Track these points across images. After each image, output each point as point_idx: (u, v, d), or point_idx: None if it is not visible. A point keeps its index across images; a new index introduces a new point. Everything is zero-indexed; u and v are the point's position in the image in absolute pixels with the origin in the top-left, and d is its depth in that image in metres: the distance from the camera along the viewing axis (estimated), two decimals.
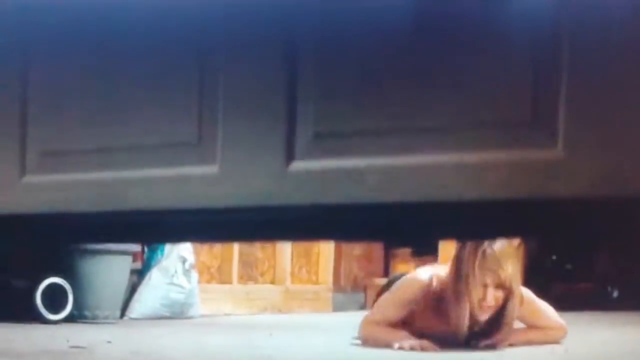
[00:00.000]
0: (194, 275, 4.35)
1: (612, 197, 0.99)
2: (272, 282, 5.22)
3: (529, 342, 2.87)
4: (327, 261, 5.51)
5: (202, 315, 4.40)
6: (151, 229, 1.43)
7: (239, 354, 2.75)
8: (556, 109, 1.00)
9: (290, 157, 1.13)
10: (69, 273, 3.75)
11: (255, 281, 5.15)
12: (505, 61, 1.03)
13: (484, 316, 2.75)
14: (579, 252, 6.58)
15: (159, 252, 4.29)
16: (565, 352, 2.76)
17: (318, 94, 1.12)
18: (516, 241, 2.86)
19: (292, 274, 5.33)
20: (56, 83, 1.34)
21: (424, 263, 3.30)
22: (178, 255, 4.27)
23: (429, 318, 2.83)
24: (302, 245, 5.42)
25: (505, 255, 2.70)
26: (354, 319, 2.99)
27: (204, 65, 1.20)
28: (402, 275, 3.02)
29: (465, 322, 2.76)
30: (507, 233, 1.51)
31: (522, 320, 2.91)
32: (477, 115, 1.05)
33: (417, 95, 1.08)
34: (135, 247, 4.13)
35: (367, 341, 2.88)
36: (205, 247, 4.87)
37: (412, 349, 2.71)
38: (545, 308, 2.92)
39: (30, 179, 1.34)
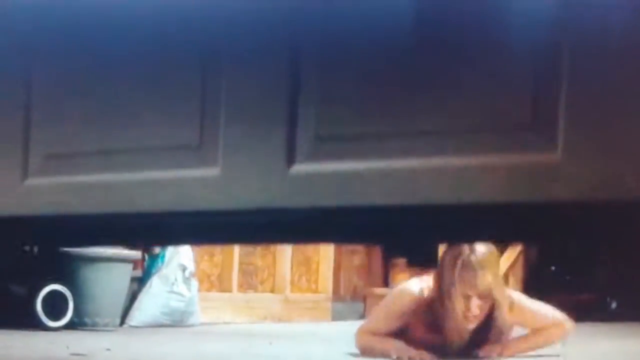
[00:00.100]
0: (194, 283, 4.35)
1: (610, 201, 0.99)
2: (272, 291, 5.22)
3: (532, 348, 2.84)
4: (327, 270, 5.51)
5: (202, 324, 4.40)
6: (153, 231, 1.43)
7: None
8: (555, 113, 1.00)
9: (291, 160, 1.13)
10: (70, 280, 3.76)
11: (255, 290, 5.15)
12: (505, 65, 1.04)
13: (471, 325, 2.73)
14: (579, 263, 6.58)
15: (159, 260, 4.29)
16: None
17: (319, 97, 1.13)
18: (495, 248, 2.82)
19: (292, 282, 5.33)
20: (58, 86, 1.34)
21: (422, 272, 3.29)
22: (178, 264, 4.28)
23: (422, 328, 2.83)
24: (302, 255, 5.42)
25: (484, 264, 2.67)
26: (353, 328, 2.99)
27: (206, 68, 1.20)
28: None
29: (456, 332, 2.75)
30: (505, 236, 1.51)
31: (519, 324, 2.89)
32: (477, 119, 1.05)
33: (418, 99, 1.08)
34: (136, 255, 4.13)
35: (364, 351, 2.88)
36: (205, 256, 4.88)
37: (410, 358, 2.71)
38: (539, 307, 2.89)
39: (33, 181, 1.35)
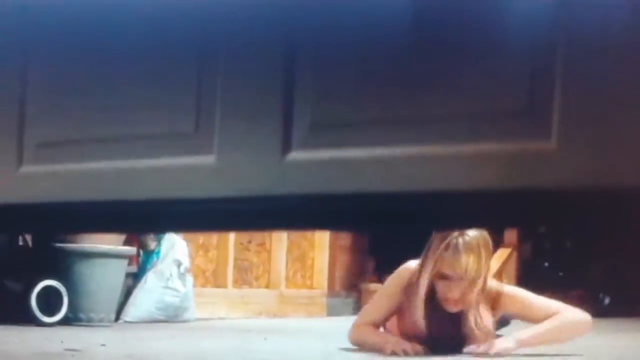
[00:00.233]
0: (189, 279, 4.35)
1: (604, 189, 0.99)
2: (267, 287, 5.23)
3: (543, 342, 2.76)
4: (322, 266, 5.52)
5: (197, 319, 4.40)
6: (147, 219, 1.43)
7: (233, 358, 2.76)
8: (550, 101, 1.00)
9: (287, 147, 1.13)
10: (64, 276, 3.75)
11: (250, 285, 5.16)
12: (500, 53, 1.04)
13: (452, 308, 2.69)
14: (572, 259, 6.60)
15: (154, 255, 4.29)
16: (556, 359, 2.77)
17: (315, 85, 1.13)
18: (487, 236, 2.73)
19: (287, 278, 5.34)
20: (53, 74, 1.34)
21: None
22: (173, 259, 4.28)
23: (409, 317, 2.82)
24: (297, 250, 5.43)
25: (471, 248, 2.63)
26: (348, 323, 2.99)
27: (202, 57, 1.20)
28: None
29: (421, 313, 2.71)
30: (499, 224, 1.52)
31: (517, 316, 2.88)
32: (472, 107, 1.05)
33: (413, 88, 1.09)
34: (131, 251, 4.13)
35: (358, 344, 2.87)
36: (200, 251, 4.88)
37: (405, 353, 2.71)
38: (535, 299, 2.85)
39: (27, 169, 1.34)
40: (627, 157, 0.98)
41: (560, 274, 6.50)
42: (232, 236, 4.97)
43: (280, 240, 5.26)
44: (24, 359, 2.48)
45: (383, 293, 2.90)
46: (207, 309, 4.70)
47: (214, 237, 4.96)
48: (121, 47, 1.28)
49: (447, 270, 2.66)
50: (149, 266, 4.26)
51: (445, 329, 2.76)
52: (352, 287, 5.73)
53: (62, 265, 3.79)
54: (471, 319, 2.72)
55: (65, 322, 3.70)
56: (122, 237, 4.07)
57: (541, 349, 2.80)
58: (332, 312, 5.47)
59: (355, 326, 2.90)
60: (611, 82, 0.99)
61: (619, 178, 0.98)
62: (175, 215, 1.37)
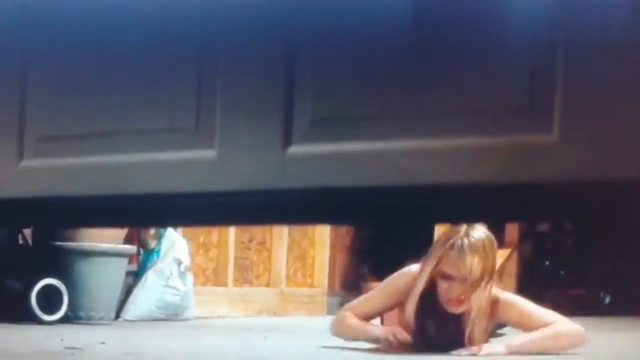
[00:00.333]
0: (190, 277, 4.35)
1: (605, 183, 1.00)
2: (267, 285, 5.23)
3: (536, 350, 2.75)
4: (322, 264, 5.52)
5: (197, 318, 4.40)
6: (148, 213, 1.43)
7: (233, 356, 2.76)
8: (552, 95, 1.00)
9: (288, 141, 1.13)
10: (64, 274, 3.75)
11: (251, 284, 5.16)
12: (501, 48, 1.04)
13: (454, 309, 2.69)
14: (573, 258, 6.60)
15: (154, 254, 4.29)
16: (557, 358, 2.77)
17: (316, 79, 1.13)
18: (493, 238, 2.73)
19: (287, 277, 5.34)
20: (54, 68, 1.34)
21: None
22: (173, 258, 4.27)
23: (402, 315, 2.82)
24: (298, 249, 5.43)
25: (476, 249, 2.62)
26: None
27: (202, 50, 1.21)
28: None
29: (411, 313, 2.71)
30: (501, 218, 1.52)
31: (512, 324, 2.88)
32: (473, 101, 1.06)
33: (414, 81, 1.09)
34: (131, 249, 4.13)
35: (340, 332, 2.85)
36: (200, 250, 4.88)
37: (394, 338, 2.68)
38: (532, 308, 2.83)
39: (28, 163, 1.35)
40: (629, 151, 0.98)
41: (561, 272, 6.50)
42: (232, 235, 4.97)
43: (280, 239, 5.26)
44: (24, 358, 2.48)
45: (380, 290, 2.90)
46: (208, 308, 4.70)
47: (214, 236, 4.96)
48: (122, 42, 1.28)
49: (450, 270, 2.65)
50: (149, 265, 4.26)
51: (439, 329, 2.75)
52: (352, 285, 5.73)
53: (62, 264, 3.79)
54: (472, 324, 2.70)
55: (66, 320, 3.70)
56: (123, 235, 4.07)
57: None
58: (332, 310, 5.46)
59: (343, 312, 2.89)
60: (612, 76, 0.99)
61: (620, 171, 0.99)
62: (176, 210, 1.37)
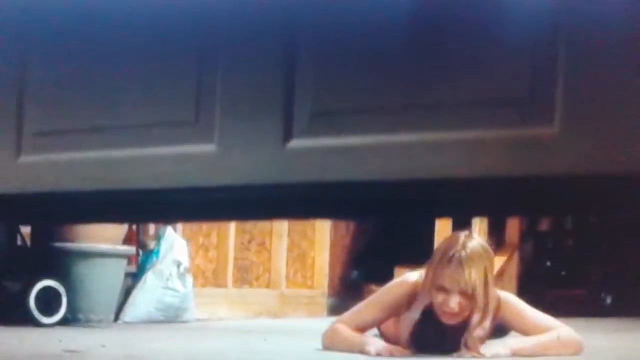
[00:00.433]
0: (189, 279, 4.34)
1: (607, 176, 1.00)
2: (267, 287, 5.22)
3: (528, 352, 2.73)
4: (322, 266, 5.51)
5: (197, 319, 4.39)
6: (148, 208, 1.43)
7: (233, 358, 2.75)
8: (553, 87, 1.00)
9: (288, 135, 1.13)
10: (63, 276, 3.74)
11: (250, 285, 5.14)
12: (502, 39, 1.04)
13: (450, 321, 2.68)
14: (574, 258, 6.60)
15: (153, 255, 4.28)
16: (557, 359, 2.76)
17: (316, 72, 1.13)
18: (489, 248, 2.73)
19: (287, 278, 5.33)
20: (52, 63, 1.34)
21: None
22: (173, 259, 4.26)
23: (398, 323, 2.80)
24: (298, 250, 5.42)
25: (472, 261, 2.62)
26: None
27: (202, 43, 1.20)
28: None
29: (410, 325, 2.70)
30: (502, 211, 1.52)
31: (511, 326, 2.86)
32: (474, 94, 1.05)
33: (414, 75, 1.08)
34: (130, 251, 4.12)
35: (331, 343, 2.82)
36: (200, 251, 4.87)
37: (391, 354, 2.68)
38: (532, 311, 2.82)
39: (26, 159, 1.34)
40: (630, 143, 0.98)
41: (562, 273, 6.50)
42: (232, 236, 4.97)
43: (280, 240, 5.25)
44: None
45: (376, 301, 2.86)
46: (207, 309, 4.69)
47: (213, 237, 4.95)
48: (121, 37, 1.27)
49: (447, 284, 2.65)
50: (148, 266, 4.25)
51: (439, 337, 2.73)
52: (352, 287, 5.73)
53: (61, 265, 3.78)
54: (472, 330, 2.69)
55: (64, 322, 3.69)
56: (121, 236, 4.06)
57: None
58: (332, 312, 5.45)
59: (336, 325, 2.85)
60: (613, 69, 0.99)
61: (621, 164, 0.98)
62: (176, 205, 1.37)
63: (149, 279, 4.21)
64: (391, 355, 2.67)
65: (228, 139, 1.17)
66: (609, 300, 6.23)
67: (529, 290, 5.48)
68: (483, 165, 1.04)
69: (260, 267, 5.20)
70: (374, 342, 2.76)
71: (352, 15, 1.12)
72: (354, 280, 5.67)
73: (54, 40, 1.34)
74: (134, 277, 4.24)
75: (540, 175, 1.03)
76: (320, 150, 1.12)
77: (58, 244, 3.83)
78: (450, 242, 2.70)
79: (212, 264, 4.95)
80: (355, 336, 2.79)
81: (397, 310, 2.80)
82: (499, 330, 2.89)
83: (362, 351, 2.71)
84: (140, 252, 4.29)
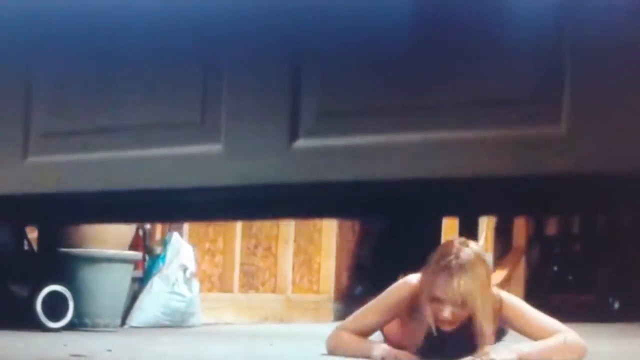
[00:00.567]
0: (195, 283, 4.34)
1: (614, 175, 0.99)
2: (273, 291, 5.21)
3: (535, 357, 2.71)
4: (329, 271, 5.50)
5: (203, 324, 4.39)
6: (154, 208, 1.43)
7: None
8: (560, 86, 0.99)
9: (294, 135, 1.13)
10: (70, 280, 3.74)
11: (257, 290, 5.14)
12: (508, 38, 1.03)
13: (447, 329, 2.67)
14: (581, 263, 6.58)
15: (160, 260, 4.28)
16: None
17: (322, 72, 1.13)
18: (484, 255, 2.72)
19: (294, 283, 5.32)
20: (59, 64, 1.34)
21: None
22: (179, 264, 4.26)
23: (401, 326, 2.80)
24: (304, 255, 5.42)
25: (465, 270, 2.61)
26: None
27: (207, 44, 1.20)
28: None
29: (420, 334, 2.69)
30: (508, 210, 1.51)
31: (515, 329, 2.84)
32: (480, 93, 1.05)
33: (420, 74, 1.08)
34: (137, 255, 4.12)
35: (336, 349, 2.81)
36: (206, 256, 4.87)
37: (397, 358, 2.67)
38: (536, 314, 2.81)
39: (34, 160, 1.35)
40: (637, 142, 0.97)
41: (569, 278, 6.48)
42: (238, 241, 4.97)
43: (286, 245, 5.25)
44: None
45: (378, 304, 2.84)
46: (213, 314, 4.69)
47: (220, 242, 4.96)
48: (127, 37, 1.27)
49: (439, 293, 2.64)
50: (154, 271, 4.25)
51: (447, 341, 2.72)
52: (356, 301, 5.72)
53: (68, 270, 3.78)
54: (480, 335, 2.68)
55: (71, 327, 3.69)
56: (128, 241, 4.07)
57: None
58: (338, 317, 5.44)
59: (338, 331, 2.85)
60: (620, 67, 0.98)
61: (629, 163, 0.98)
62: (183, 205, 1.37)
63: (156, 283, 4.21)
64: (397, 359, 2.67)
65: (234, 139, 1.17)
66: (616, 305, 6.21)
67: (536, 295, 5.47)
68: (489, 164, 1.04)
69: (267, 272, 5.20)
70: (379, 347, 2.75)
71: (357, 16, 1.12)
72: (357, 296, 5.65)
73: (60, 42, 1.34)
74: (141, 282, 4.24)
75: (547, 174, 1.02)
76: (326, 151, 1.12)
77: (65, 249, 3.84)
78: (444, 250, 2.68)
79: (218, 269, 4.95)
80: (360, 341, 2.79)
81: (399, 312, 2.80)
82: (497, 332, 2.88)
83: (368, 356, 2.71)
84: (147, 257, 4.29)
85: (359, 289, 5.68)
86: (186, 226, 4.64)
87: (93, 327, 3.82)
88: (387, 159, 1.09)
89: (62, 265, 3.79)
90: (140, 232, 4.22)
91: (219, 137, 1.18)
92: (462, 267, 2.62)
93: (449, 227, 5.22)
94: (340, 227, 5.55)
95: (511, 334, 2.92)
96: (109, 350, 2.89)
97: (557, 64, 1.01)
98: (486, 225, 5.77)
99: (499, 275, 5.76)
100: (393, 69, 1.10)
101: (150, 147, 1.24)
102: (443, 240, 4.88)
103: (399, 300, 2.78)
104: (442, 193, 1.15)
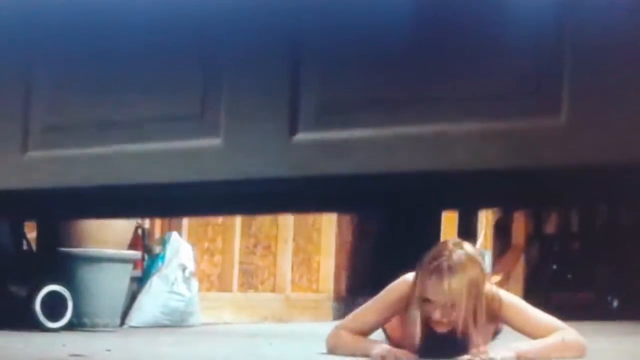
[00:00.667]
0: (194, 283, 4.33)
1: (614, 166, 0.99)
2: (273, 291, 5.21)
3: (534, 355, 2.70)
4: (328, 270, 5.50)
5: (202, 324, 4.38)
6: (154, 203, 1.43)
7: None
8: (560, 78, 0.99)
9: (294, 129, 1.13)
10: (69, 280, 3.74)
11: (256, 289, 5.14)
12: (507, 30, 1.03)
13: (440, 330, 2.66)
14: (580, 261, 6.58)
15: (159, 260, 4.28)
16: None
17: (322, 66, 1.13)
18: (477, 255, 2.71)
19: (293, 282, 5.32)
20: (59, 59, 1.34)
21: None
22: (178, 263, 4.26)
23: (400, 326, 2.79)
24: (303, 254, 5.41)
25: (455, 272, 2.60)
26: None
27: (207, 39, 1.20)
28: None
29: (417, 333, 2.69)
30: (508, 203, 1.51)
31: (515, 328, 2.84)
32: (480, 86, 1.05)
33: (420, 68, 1.08)
34: (136, 255, 4.12)
35: (336, 349, 2.81)
36: (205, 255, 4.87)
37: (396, 358, 2.67)
38: (535, 312, 2.80)
39: (33, 155, 1.35)
40: (638, 133, 0.97)
41: (568, 276, 6.48)
42: (237, 240, 4.97)
43: (286, 244, 5.25)
44: None
45: (377, 304, 2.84)
46: (213, 314, 4.68)
47: (219, 242, 4.95)
48: (127, 32, 1.27)
49: (429, 295, 2.64)
50: (153, 270, 4.25)
51: (445, 341, 2.72)
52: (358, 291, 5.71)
53: (67, 270, 3.78)
54: (472, 339, 2.67)
55: (70, 327, 3.69)
56: (127, 241, 4.06)
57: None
58: (338, 316, 5.44)
59: (337, 329, 2.85)
60: (621, 58, 0.98)
61: (629, 155, 0.98)
62: (182, 199, 1.36)
63: (155, 283, 4.21)
64: (396, 359, 2.66)
65: (234, 133, 1.17)
66: (615, 303, 6.21)
67: (535, 293, 5.47)
68: (490, 157, 1.04)
69: (266, 272, 5.19)
70: (379, 346, 2.75)
71: (357, 9, 1.12)
72: (356, 305, 5.63)
73: (60, 37, 1.34)
74: (140, 282, 4.24)
75: (547, 166, 1.02)
76: (326, 145, 1.12)
77: (64, 249, 3.84)
78: (436, 252, 2.67)
79: (217, 268, 4.94)
80: (359, 340, 2.78)
81: (398, 310, 2.79)
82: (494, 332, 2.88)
83: (367, 355, 2.70)
84: (146, 256, 4.29)
85: (359, 301, 5.67)
86: (185, 225, 4.64)
87: (92, 327, 3.82)
88: (387, 152, 1.09)
89: (61, 265, 3.79)
90: (139, 232, 4.22)
91: (219, 132, 1.18)
92: (452, 269, 2.61)
93: (449, 225, 5.22)
94: (339, 226, 5.55)
95: (510, 333, 2.92)
96: (108, 350, 2.89)
97: (558, 58, 1.00)
98: (485, 223, 5.78)
99: (493, 280, 5.76)
100: (393, 63, 1.10)
101: (149, 142, 1.24)
102: (442, 237, 4.88)
103: (398, 299, 2.78)
104: (442, 186, 1.15)
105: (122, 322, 4.07)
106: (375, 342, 2.81)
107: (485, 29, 1.05)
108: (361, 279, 5.57)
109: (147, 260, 4.29)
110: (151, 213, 2.56)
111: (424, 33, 1.09)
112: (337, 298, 5.57)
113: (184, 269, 4.25)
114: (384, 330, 2.93)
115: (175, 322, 4.22)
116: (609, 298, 6.24)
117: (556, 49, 1.01)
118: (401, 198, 1.23)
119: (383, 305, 2.82)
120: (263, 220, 5.09)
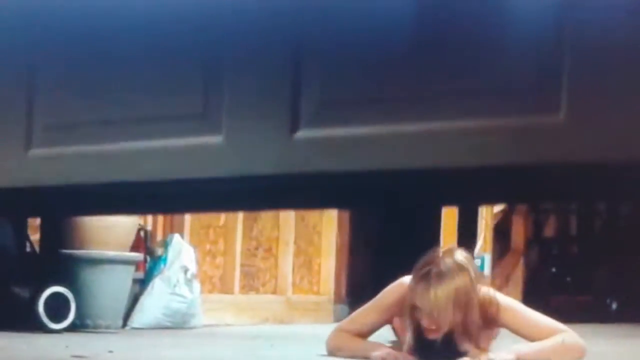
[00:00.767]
0: (196, 285, 4.34)
1: (613, 163, 1.00)
2: (274, 293, 5.22)
3: (534, 357, 2.70)
4: (329, 272, 5.51)
5: (204, 325, 4.39)
6: (156, 200, 1.44)
7: None
8: (559, 74, 1.00)
9: (295, 125, 1.14)
10: (72, 282, 3.75)
11: (257, 291, 5.15)
12: (508, 27, 1.04)
13: (431, 336, 2.65)
14: (579, 264, 6.58)
15: (161, 261, 4.29)
16: None
17: (323, 63, 1.13)
18: (469, 262, 2.68)
19: (294, 284, 5.33)
20: (61, 56, 1.35)
21: None
22: (180, 265, 4.27)
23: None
24: (304, 256, 5.42)
25: (440, 280, 2.59)
26: None
27: (208, 36, 1.21)
28: None
29: (409, 337, 2.68)
30: (508, 199, 1.52)
31: (514, 332, 2.84)
32: (480, 82, 1.06)
33: (421, 64, 1.09)
34: (138, 257, 4.13)
35: (336, 350, 2.82)
36: (207, 257, 4.88)
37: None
38: (534, 315, 2.79)
39: (37, 152, 1.35)
40: (636, 131, 0.98)
41: (567, 279, 6.48)
42: (239, 242, 4.97)
43: (287, 246, 5.26)
44: None
45: (374, 306, 2.85)
46: (214, 315, 4.69)
47: (220, 244, 4.96)
48: (129, 31, 1.28)
49: (418, 302, 2.64)
50: (155, 272, 4.25)
51: (434, 350, 2.72)
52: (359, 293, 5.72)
53: (70, 272, 3.79)
54: (465, 346, 2.68)
55: (72, 328, 3.69)
56: (129, 243, 4.08)
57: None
58: (339, 318, 5.45)
59: (338, 331, 2.85)
60: (620, 55, 0.98)
61: (627, 152, 0.98)
62: (185, 196, 1.37)
63: (157, 285, 4.22)
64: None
65: (235, 130, 1.18)
66: (614, 306, 6.21)
67: (534, 296, 5.47)
68: (489, 153, 1.04)
69: (267, 274, 5.20)
70: (379, 347, 2.76)
71: (358, 8, 1.12)
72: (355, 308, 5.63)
73: (62, 37, 1.35)
74: (142, 284, 4.24)
75: (546, 163, 1.03)
76: (327, 141, 1.13)
77: (66, 251, 3.85)
78: (426, 259, 2.67)
79: (219, 270, 4.95)
80: (360, 342, 2.79)
81: (395, 312, 2.80)
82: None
83: (368, 357, 2.71)
84: (148, 258, 4.30)
85: (359, 302, 5.66)
86: (187, 228, 4.65)
87: (94, 329, 3.83)
88: (388, 149, 1.10)
89: (64, 267, 3.80)
90: (142, 234, 4.23)
91: (220, 129, 1.19)
92: (439, 278, 2.60)
93: (449, 227, 5.22)
94: (339, 229, 5.56)
95: (509, 336, 2.92)
96: (111, 352, 2.90)
97: (557, 56, 1.01)
98: (485, 226, 5.77)
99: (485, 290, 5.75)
100: (393, 62, 1.11)
101: (152, 139, 1.25)
102: (442, 240, 4.88)
103: (395, 301, 2.78)
104: (443, 182, 1.16)
105: (125, 324, 4.08)
106: (375, 344, 2.82)
107: (485, 28, 1.06)
108: (361, 281, 5.58)
109: (149, 262, 4.30)
110: (153, 210, 2.57)
111: (424, 32, 1.09)
112: (338, 300, 5.57)
113: (185, 270, 4.26)
114: (394, 330, 2.93)
115: (177, 323, 4.23)
116: (608, 300, 6.23)
117: (556, 48, 1.01)
118: (401, 195, 1.24)
119: (381, 307, 2.83)
120: (264, 223, 5.10)
